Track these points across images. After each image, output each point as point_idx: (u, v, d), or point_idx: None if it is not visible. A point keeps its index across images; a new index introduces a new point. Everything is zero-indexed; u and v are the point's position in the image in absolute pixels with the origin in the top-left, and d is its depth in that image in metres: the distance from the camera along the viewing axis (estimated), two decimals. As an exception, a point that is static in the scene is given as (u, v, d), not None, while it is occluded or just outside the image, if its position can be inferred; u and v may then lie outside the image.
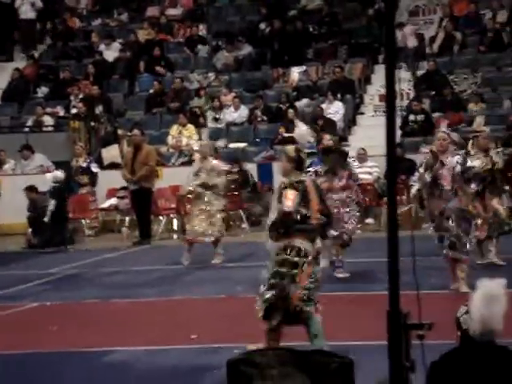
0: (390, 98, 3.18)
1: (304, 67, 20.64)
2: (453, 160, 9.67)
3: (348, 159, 11.52)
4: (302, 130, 7.43)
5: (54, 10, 24.01)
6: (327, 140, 11.35)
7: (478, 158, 10.70)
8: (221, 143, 18.64)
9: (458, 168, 9.67)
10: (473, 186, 9.86)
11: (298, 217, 7.00)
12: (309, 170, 10.68)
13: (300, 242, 7.00)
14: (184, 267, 12.84)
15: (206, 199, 12.92)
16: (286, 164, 7.25)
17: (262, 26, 21.89)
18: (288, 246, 7.01)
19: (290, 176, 7.18)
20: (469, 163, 9.84)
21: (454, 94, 19.04)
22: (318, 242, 7.21)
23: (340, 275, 10.96)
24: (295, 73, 20.56)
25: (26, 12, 22.99)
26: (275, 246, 7.14)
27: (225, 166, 13.67)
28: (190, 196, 13.30)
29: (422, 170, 9.92)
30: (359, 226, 11.53)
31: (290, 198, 6.98)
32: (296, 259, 6.98)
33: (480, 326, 4.15)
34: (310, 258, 7.01)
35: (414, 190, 10.37)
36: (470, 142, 11.48)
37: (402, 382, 3.52)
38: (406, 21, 21.19)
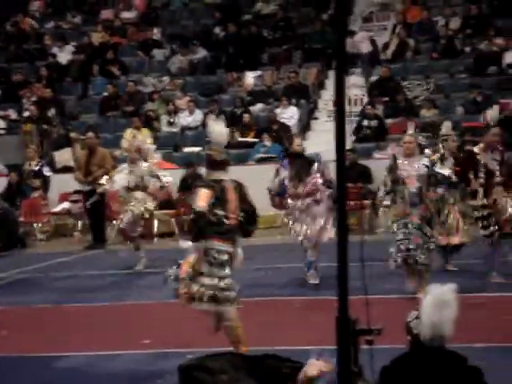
0: (339, 104, 3.19)
1: (259, 72, 20.68)
2: (419, 163, 9.67)
3: (317, 164, 11.06)
4: (217, 129, 7.33)
5: (7, 11, 23.78)
6: (296, 145, 11.20)
7: (447, 167, 10.70)
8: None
9: (424, 171, 9.66)
10: (439, 190, 9.89)
11: (214, 218, 6.96)
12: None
13: (217, 244, 7.00)
14: (136, 272, 12.77)
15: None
16: (206, 165, 7.30)
17: (217, 29, 21.88)
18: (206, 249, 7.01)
19: (208, 176, 7.20)
20: (437, 169, 9.84)
21: (407, 100, 19.19)
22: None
23: (312, 281, 10.76)
24: (250, 77, 20.59)
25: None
26: (193, 245, 7.15)
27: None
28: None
29: (385, 173, 10.00)
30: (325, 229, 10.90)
31: (202, 198, 6.94)
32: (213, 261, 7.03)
33: (430, 331, 4.18)
34: (222, 259, 7.05)
35: (380, 193, 10.33)
36: (440, 145, 11.46)
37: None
38: (359, 28, 21.32)
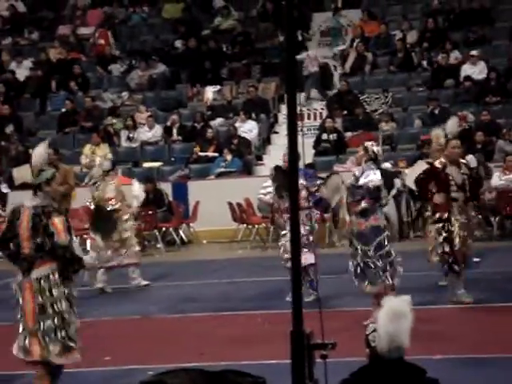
0: (291, 119, 3.22)
1: (218, 86, 20.69)
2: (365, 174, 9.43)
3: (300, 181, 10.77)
4: (37, 151, 7.31)
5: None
6: (284, 160, 10.61)
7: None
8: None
9: (349, 182, 9.49)
10: (363, 203, 9.27)
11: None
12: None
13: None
14: (96, 289, 12.69)
15: None
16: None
17: (178, 44, 21.88)
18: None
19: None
20: (362, 180, 9.28)
21: (366, 113, 19.32)
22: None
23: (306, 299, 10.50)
24: (209, 92, 20.60)
25: None
26: None
27: None
28: None
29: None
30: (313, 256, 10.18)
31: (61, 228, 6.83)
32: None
33: (387, 342, 4.20)
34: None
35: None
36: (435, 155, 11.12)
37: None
38: (317, 42, 21.46)
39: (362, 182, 9.23)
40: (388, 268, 9.20)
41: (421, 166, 11.00)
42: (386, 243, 9.24)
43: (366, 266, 9.17)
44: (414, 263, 12.00)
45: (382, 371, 4.22)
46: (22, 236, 6.81)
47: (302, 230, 10.13)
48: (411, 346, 4.25)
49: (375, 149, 9.48)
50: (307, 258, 10.09)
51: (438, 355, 7.46)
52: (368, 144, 9.54)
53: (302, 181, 10.27)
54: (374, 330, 4.31)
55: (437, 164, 10.02)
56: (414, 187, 11.22)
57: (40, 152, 7.30)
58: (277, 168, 10.87)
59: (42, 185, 7.11)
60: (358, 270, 9.23)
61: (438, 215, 9.94)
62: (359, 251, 9.22)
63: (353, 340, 4.44)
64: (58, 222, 6.76)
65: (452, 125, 10.57)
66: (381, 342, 4.22)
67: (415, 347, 4.34)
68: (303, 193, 10.20)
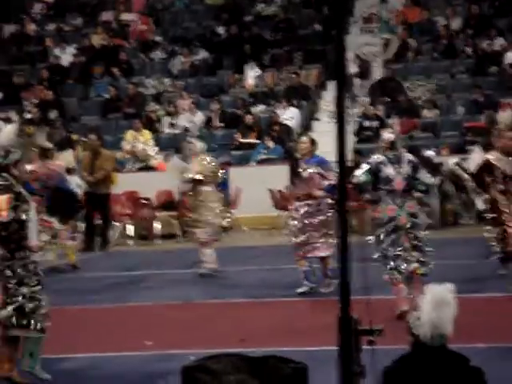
0: (340, 105, 3.21)
1: (259, 71, 20.65)
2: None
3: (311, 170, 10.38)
4: (5, 132, 7.19)
5: (8, 13, 23.82)
6: (303, 143, 10.57)
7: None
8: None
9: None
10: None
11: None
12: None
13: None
14: (139, 274, 12.79)
15: None
16: None
17: (220, 30, 21.89)
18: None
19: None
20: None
21: (409, 100, 19.20)
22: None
23: (299, 290, 10.34)
24: (251, 77, 20.57)
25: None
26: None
27: None
28: None
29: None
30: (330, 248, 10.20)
31: (3, 206, 6.74)
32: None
33: (430, 330, 4.19)
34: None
35: None
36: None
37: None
38: (360, 29, 21.34)
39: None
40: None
41: (479, 155, 10.78)
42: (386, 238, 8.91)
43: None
44: (455, 251, 11.96)
45: (425, 359, 4.21)
46: None
47: (315, 220, 10.20)
48: (454, 334, 4.23)
49: (391, 136, 9.19)
50: (320, 249, 10.18)
51: (481, 344, 7.41)
52: (384, 133, 9.38)
53: (313, 168, 10.28)
54: (417, 318, 4.30)
55: (490, 157, 9.92)
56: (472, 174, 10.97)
57: (8, 133, 7.25)
58: (292, 158, 10.85)
59: (9, 166, 6.97)
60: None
61: (492, 207, 9.90)
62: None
63: (399, 327, 4.43)
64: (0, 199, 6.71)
65: (506, 116, 10.40)
66: (424, 330, 4.21)
67: (458, 335, 4.32)
68: (316, 180, 10.14)
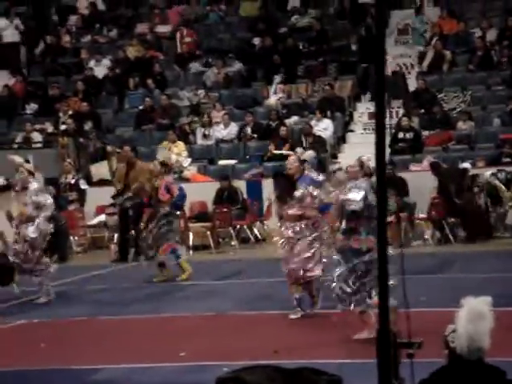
0: (379, 116, 3.18)
1: (280, 94, 20.54)
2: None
3: (303, 190, 9.93)
4: None
5: (45, 26, 24.06)
6: (291, 163, 10.09)
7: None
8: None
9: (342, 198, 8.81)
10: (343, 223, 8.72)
11: None
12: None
13: None
14: (172, 284, 12.80)
15: None
16: None
17: (255, 41, 21.94)
18: None
19: None
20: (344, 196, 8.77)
21: (443, 112, 19.09)
22: None
23: (292, 316, 9.93)
24: (273, 99, 20.48)
25: (12, 36, 23.14)
26: None
27: None
28: None
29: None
30: (320, 267, 9.91)
31: None
32: None
33: (466, 343, 4.14)
34: None
35: None
36: None
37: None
38: (394, 40, 21.29)
39: (343, 197, 8.74)
40: (358, 293, 8.65)
41: None
42: (363, 268, 8.61)
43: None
44: (491, 264, 11.85)
45: (461, 372, 4.16)
46: None
47: (305, 241, 9.84)
48: (491, 347, 4.18)
49: (371, 164, 8.79)
50: (310, 271, 9.82)
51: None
52: (364, 158, 9.00)
53: (305, 187, 9.86)
54: (454, 331, 4.25)
55: None
56: None
57: None
58: (277, 174, 10.59)
59: None
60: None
61: None
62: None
63: (437, 340, 4.37)
64: None
65: None
66: (460, 343, 4.16)
67: (495, 349, 4.26)
68: (308, 200, 9.78)
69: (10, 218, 11.98)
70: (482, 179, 16.19)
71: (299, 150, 10.38)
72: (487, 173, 16.32)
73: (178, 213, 13.21)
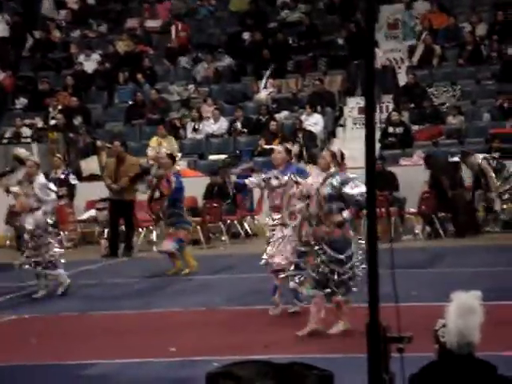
0: (369, 110, 3.18)
1: (270, 89, 20.53)
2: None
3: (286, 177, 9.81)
4: None
5: (33, 21, 23.98)
6: (276, 153, 10.02)
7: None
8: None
9: (327, 191, 8.66)
10: (345, 214, 8.63)
11: None
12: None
13: None
14: (162, 280, 12.80)
15: None
16: None
17: (245, 36, 21.92)
18: None
19: None
20: (348, 190, 8.60)
21: (433, 106, 19.12)
22: None
23: (291, 310, 9.83)
24: (263, 94, 20.47)
25: (2, 31, 23.10)
26: None
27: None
28: None
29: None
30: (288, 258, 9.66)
31: None
32: None
33: (456, 338, 4.15)
34: None
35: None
36: None
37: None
38: (384, 34, 21.29)
39: (349, 191, 8.61)
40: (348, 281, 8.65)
41: None
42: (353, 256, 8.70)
43: (328, 273, 8.60)
44: (480, 259, 11.89)
45: (452, 367, 4.17)
46: None
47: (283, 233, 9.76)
48: (481, 342, 4.19)
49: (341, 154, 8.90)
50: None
51: (508, 352, 7.34)
52: (335, 149, 9.08)
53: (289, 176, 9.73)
54: (444, 326, 4.26)
55: None
56: None
57: None
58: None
59: None
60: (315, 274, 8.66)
61: None
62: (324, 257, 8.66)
63: (428, 335, 4.39)
64: None
65: None
66: (450, 338, 4.17)
67: (485, 343, 4.27)
68: (294, 188, 9.51)
69: (7, 191, 12.15)
70: (475, 161, 16.24)
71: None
72: (479, 155, 16.39)
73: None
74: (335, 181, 8.65)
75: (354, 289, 8.64)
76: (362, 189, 8.29)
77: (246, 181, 10.63)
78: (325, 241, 8.64)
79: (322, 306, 8.65)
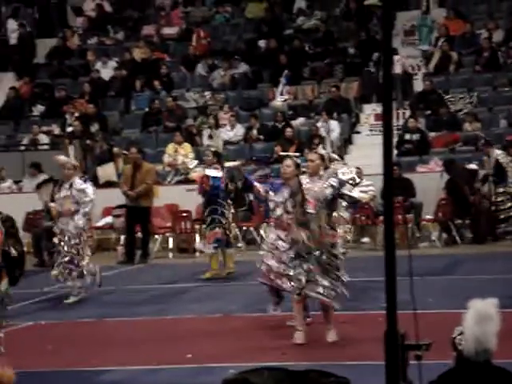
0: (386, 116, 3.17)
1: (285, 96, 20.52)
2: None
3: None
4: None
5: (51, 28, 24.10)
6: (285, 167, 9.38)
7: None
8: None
9: (328, 193, 8.58)
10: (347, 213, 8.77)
11: None
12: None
13: None
14: (178, 286, 12.81)
15: None
16: None
17: (261, 43, 21.94)
18: None
19: None
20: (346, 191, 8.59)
21: (450, 113, 19.07)
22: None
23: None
24: (278, 101, 20.45)
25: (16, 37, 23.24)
26: None
27: None
28: None
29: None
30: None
31: None
32: None
33: (473, 345, 4.13)
34: None
35: None
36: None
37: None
38: (401, 41, 21.27)
39: (348, 192, 8.57)
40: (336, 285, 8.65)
41: None
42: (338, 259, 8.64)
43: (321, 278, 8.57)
44: (497, 265, 11.83)
45: (469, 374, 4.15)
46: None
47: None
48: (498, 349, 4.17)
49: (331, 156, 8.91)
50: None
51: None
52: (323, 151, 9.04)
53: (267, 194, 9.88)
54: (461, 333, 4.25)
55: None
56: None
57: None
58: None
59: None
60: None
61: None
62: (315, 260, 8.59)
63: (444, 342, 4.37)
64: None
65: None
66: (467, 345, 4.16)
67: (503, 350, 4.25)
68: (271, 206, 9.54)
69: (47, 207, 12.28)
70: (492, 155, 16.28)
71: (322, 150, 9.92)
72: (497, 151, 16.40)
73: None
74: (334, 182, 8.58)
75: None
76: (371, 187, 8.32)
77: (256, 183, 10.57)
78: (324, 245, 8.56)
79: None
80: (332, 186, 8.55)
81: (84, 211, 11.88)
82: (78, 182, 12.03)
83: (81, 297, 11.85)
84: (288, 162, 9.33)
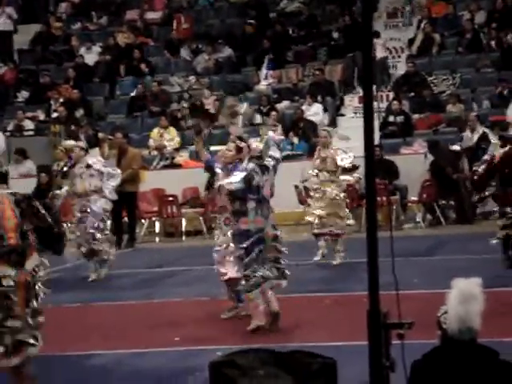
0: (367, 100, 3.22)
1: (270, 80, 20.54)
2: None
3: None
4: None
5: (36, 14, 23.99)
6: (225, 151, 9.36)
7: None
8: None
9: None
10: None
11: None
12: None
13: None
14: (166, 270, 12.85)
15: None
16: None
17: (246, 26, 21.92)
18: None
19: None
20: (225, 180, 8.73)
21: (433, 95, 19.13)
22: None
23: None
24: (262, 85, 20.46)
25: (4, 24, 23.07)
26: None
27: None
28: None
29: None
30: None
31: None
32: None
33: (457, 324, 4.19)
34: (12, 284, 6.33)
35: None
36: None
37: (382, 382, 3.55)
38: (383, 23, 21.29)
39: (223, 182, 8.78)
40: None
41: None
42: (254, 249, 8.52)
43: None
44: (482, 245, 11.90)
45: (454, 353, 4.21)
46: (5, 227, 6.25)
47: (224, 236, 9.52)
48: (483, 328, 4.23)
49: (259, 146, 8.80)
50: (230, 270, 9.38)
51: (510, 338, 7.39)
52: (250, 141, 9.07)
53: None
54: (446, 312, 4.30)
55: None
56: None
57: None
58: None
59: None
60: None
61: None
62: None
63: (428, 322, 4.43)
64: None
65: None
66: (451, 324, 4.21)
67: (487, 330, 4.32)
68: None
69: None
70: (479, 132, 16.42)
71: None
72: (483, 128, 16.58)
73: None
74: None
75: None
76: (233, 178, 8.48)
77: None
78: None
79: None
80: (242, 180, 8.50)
81: (112, 185, 12.38)
82: (93, 159, 12.44)
83: (109, 265, 12.15)
84: (230, 145, 9.25)
